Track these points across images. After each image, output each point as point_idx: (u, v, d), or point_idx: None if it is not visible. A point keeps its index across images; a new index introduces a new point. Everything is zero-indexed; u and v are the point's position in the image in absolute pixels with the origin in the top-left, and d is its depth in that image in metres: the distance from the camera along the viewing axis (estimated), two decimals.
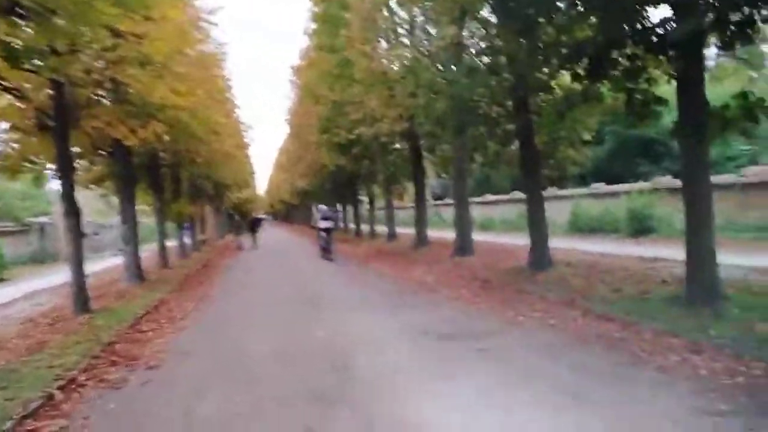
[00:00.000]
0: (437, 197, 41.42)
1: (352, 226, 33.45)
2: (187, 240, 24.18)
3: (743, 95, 6.04)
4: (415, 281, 11.66)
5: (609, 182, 22.13)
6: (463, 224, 14.93)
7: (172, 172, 21.52)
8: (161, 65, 13.20)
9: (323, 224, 18.54)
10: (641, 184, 19.01)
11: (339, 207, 33.15)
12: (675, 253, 12.00)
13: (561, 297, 8.36)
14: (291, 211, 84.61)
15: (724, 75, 28.26)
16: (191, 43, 14.29)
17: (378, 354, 6.07)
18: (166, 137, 17.09)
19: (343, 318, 8.23)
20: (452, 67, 9.77)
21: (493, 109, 10.49)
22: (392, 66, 12.42)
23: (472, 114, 10.07)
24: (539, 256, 10.76)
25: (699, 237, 6.73)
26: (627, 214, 16.99)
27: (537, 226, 10.81)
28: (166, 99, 12.85)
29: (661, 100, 7.87)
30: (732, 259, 8.67)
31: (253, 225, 29.31)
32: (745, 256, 10.17)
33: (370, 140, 16.10)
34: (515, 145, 11.54)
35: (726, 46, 6.05)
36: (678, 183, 18.28)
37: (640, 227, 16.59)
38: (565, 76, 10.81)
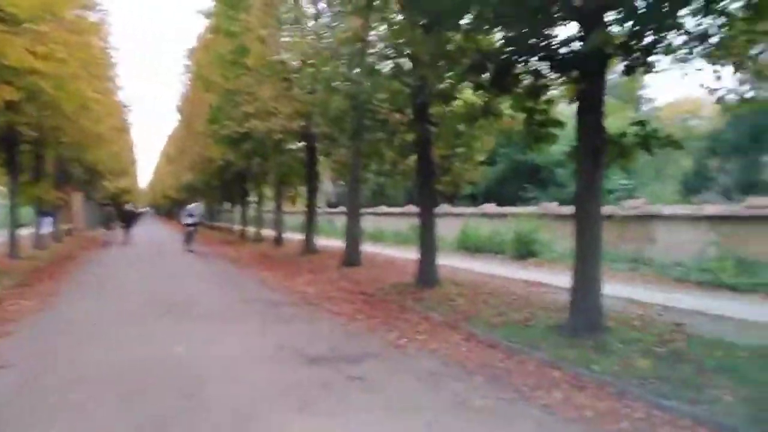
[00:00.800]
0: (332, 204, 40.69)
1: (237, 227, 31.80)
2: (47, 229, 21.47)
3: (641, 123, 5.92)
4: (296, 292, 10.81)
5: (499, 204, 22.70)
6: (353, 234, 14.32)
7: (35, 150, 18.98)
8: (20, 20, 11.40)
9: (188, 220, 22.54)
10: (529, 209, 19.54)
11: (200, 205, 32.40)
12: (556, 278, 12.21)
13: (446, 318, 7.94)
14: (175, 207, 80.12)
15: (609, 111, 30.23)
16: (63, 1, 12.53)
17: (236, 380, 5.19)
18: (28, 109, 14.98)
19: (208, 333, 7.23)
20: (354, 65, 9.14)
21: (392, 115, 9.98)
22: (291, 57, 11.55)
23: (370, 118, 9.50)
24: (427, 273, 10.37)
25: (586, 265, 6.54)
26: (514, 236, 17.27)
27: (427, 241, 10.42)
28: (22, 61, 11.07)
29: (558, 123, 7.75)
30: (610, 290, 8.75)
31: (127, 218, 26.08)
32: (621, 286, 10.41)
33: (262, 136, 15.03)
34: (413, 158, 11.17)
35: (629, 70, 5.92)
36: (563, 210, 19.08)
37: (525, 250, 16.91)
38: (468, 92, 10.64)
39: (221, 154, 19.98)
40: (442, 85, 7.80)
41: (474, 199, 28.19)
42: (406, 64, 9.00)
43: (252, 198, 28.45)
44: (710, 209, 12.91)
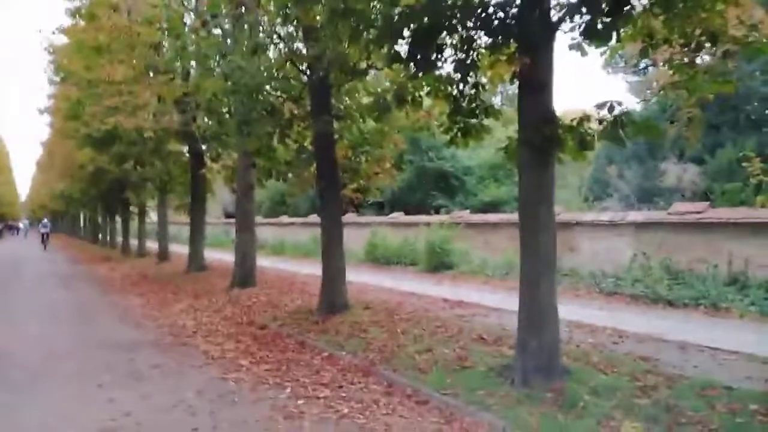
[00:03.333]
0: (229, 215, 37.71)
1: (119, 240, 28.24)
2: None
3: (610, 105, 4.54)
4: (167, 326, 8.58)
5: (407, 212, 21.40)
6: (245, 249, 12.21)
7: None
8: None
9: (43, 230, 35.92)
10: (439, 217, 18.35)
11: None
12: (479, 295, 10.91)
13: (358, 358, 6.21)
14: (56, 219, 72.48)
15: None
16: None
17: None
18: None
19: (28, 398, 4.99)
20: (232, 36, 7.22)
21: (286, 104, 8.14)
22: (151, 27, 9.28)
23: (257, 107, 7.60)
24: (332, 296, 8.58)
25: (539, 289, 5.07)
26: (426, 247, 15.93)
27: (332, 258, 8.64)
28: None
29: (493, 111, 6.32)
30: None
31: None
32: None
33: (132, 136, 12.58)
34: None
35: (589, 36, 4.53)
36: (474, 218, 18.06)
37: (439, 262, 15.61)
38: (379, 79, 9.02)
39: (89, 158, 17.00)
40: (345, 52, 6.08)
41: (380, 208, 26.81)
42: (299, 40, 7.25)
43: (134, 209, 25.15)
44: (634, 215, 12.17)
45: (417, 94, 6.70)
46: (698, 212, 10.54)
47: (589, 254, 12.86)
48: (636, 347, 5.99)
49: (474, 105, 6.19)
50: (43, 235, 35.50)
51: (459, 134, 6.66)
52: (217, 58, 7.03)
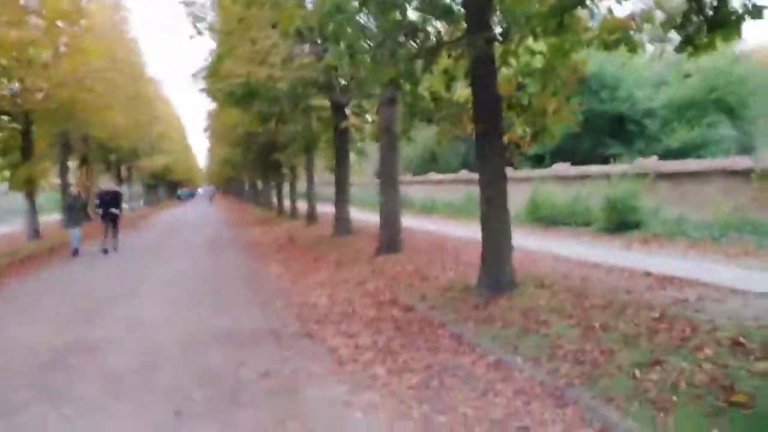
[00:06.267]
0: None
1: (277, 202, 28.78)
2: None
3: None
4: (300, 304, 7.22)
5: (574, 163, 18.38)
6: (389, 211, 10.66)
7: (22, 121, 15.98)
8: None
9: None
10: (619, 166, 15.26)
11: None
12: (691, 266, 8.24)
13: (543, 371, 4.27)
14: (229, 184, 78.17)
15: None
16: None
17: None
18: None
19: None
20: None
21: (431, 26, 6.19)
22: None
23: (393, 27, 5.74)
24: (497, 271, 6.63)
25: None
26: (605, 204, 13.15)
27: (495, 221, 6.66)
28: None
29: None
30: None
31: (104, 206, 14.09)
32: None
33: (270, 91, 11.53)
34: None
35: None
36: (667, 167, 14.70)
37: (621, 221, 12.80)
38: None
39: (236, 120, 16.63)
40: None
41: (539, 161, 23.80)
42: None
43: (287, 171, 25.13)
44: None
45: None
46: None
47: None
48: None
49: None
50: (210, 197, 55.84)
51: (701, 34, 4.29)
52: None
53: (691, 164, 13.62)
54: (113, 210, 14.07)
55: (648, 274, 7.46)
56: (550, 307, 5.87)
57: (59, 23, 13.39)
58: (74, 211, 14.44)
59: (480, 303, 6.25)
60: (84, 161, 25.13)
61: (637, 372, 4.01)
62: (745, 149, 20.64)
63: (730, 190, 11.47)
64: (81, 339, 5.97)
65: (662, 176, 13.36)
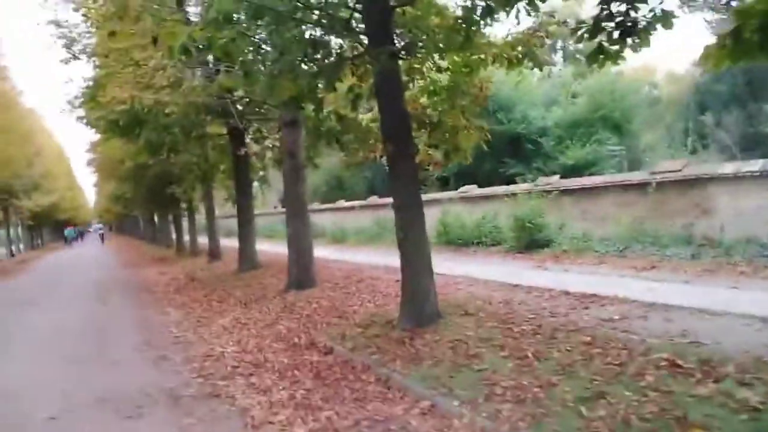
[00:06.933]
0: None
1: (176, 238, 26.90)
2: None
3: None
4: (204, 355, 6.32)
5: (478, 184, 18.64)
6: (299, 242, 9.97)
7: None
8: None
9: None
10: (522, 186, 15.56)
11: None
12: (606, 282, 8.25)
13: (485, 415, 3.81)
14: (121, 221, 73.23)
15: None
16: None
17: None
18: None
19: None
20: None
21: (333, 39, 5.72)
22: None
23: (292, 41, 5.20)
24: (420, 301, 6.18)
25: None
26: (513, 223, 13.26)
27: (413, 246, 6.24)
28: None
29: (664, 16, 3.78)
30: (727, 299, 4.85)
31: None
32: (727, 291, 6.49)
33: (159, 118, 10.54)
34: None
35: None
36: (566, 183, 15.17)
37: (531, 240, 12.92)
38: None
39: (122, 151, 15.24)
40: None
41: (445, 182, 24.10)
42: None
43: (183, 204, 23.58)
44: None
45: None
46: None
47: (730, 216, 9.92)
48: None
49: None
50: (100, 235, 54.18)
51: (612, 43, 4.17)
52: None
53: (587, 180, 14.11)
54: None
55: (567, 293, 7.35)
56: (479, 337, 5.48)
57: None
58: None
59: (404, 339, 5.75)
60: None
61: (583, 409, 3.66)
62: (633, 163, 22.02)
63: (628, 204, 11.91)
64: None
65: (564, 192, 13.72)
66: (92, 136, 21.45)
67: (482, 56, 6.05)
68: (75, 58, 12.52)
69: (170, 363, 6.07)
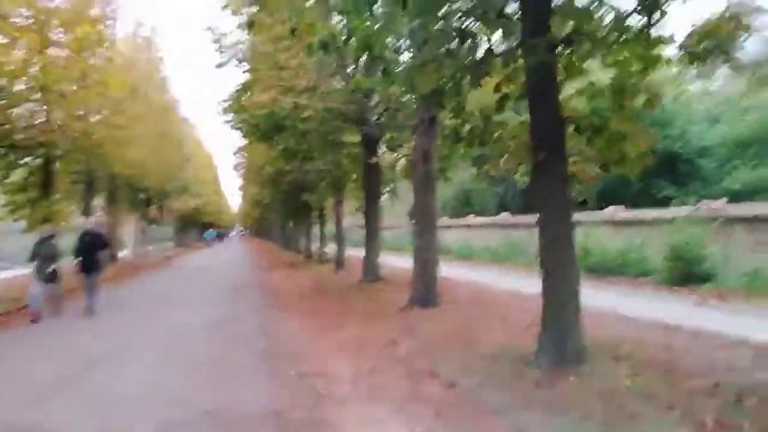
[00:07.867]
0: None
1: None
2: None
3: None
4: (315, 374, 5.84)
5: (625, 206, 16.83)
6: (425, 259, 9.38)
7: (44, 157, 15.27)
8: None
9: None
10: (680, 210, 13.71)
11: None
12: None
13: None
14: (260, 225, 77.67)
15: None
16: None
17: None
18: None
19: None
20: None
21: (481, 31, 5.07)
22: None
23: (436, 34, 4.64)
24: (563, 337, 5.28)
25: None
26: (669, 251, 11.62)
27: (560, 273, 5.36)
28: None
29: None
30: None
31: (83, 253, 10.27)
32: None
33: (297, 124, 10.61)
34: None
35: None
36: (735, 211, 13.08)
37: (688, 273, 11.24)
38: None
39: (264, 157, 15.79)
40: None
41: (582, 203, 22.19)
42: None
43: (315, 213, 24.15)
44: None
45: None
46: None
47: None
48: None
49: None
50: (240, 238, 58.01)
51: None
52: None
53: (763, 208, 11.99)
54: (98, 257, 10.31)
55: (746, 342, 5.98)
56: (637, 390, 4.47)
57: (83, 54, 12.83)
58: (43, 258, 9.95)
59: (542, 380, 4.88)
60: (111, 200, 24.67)
61: None
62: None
63: None
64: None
65: (734, 220, 11.81)
66: (241, 140, 22.73)
67: (660, 49, 5.05)
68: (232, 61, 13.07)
69: (280, 380, 5.66)
